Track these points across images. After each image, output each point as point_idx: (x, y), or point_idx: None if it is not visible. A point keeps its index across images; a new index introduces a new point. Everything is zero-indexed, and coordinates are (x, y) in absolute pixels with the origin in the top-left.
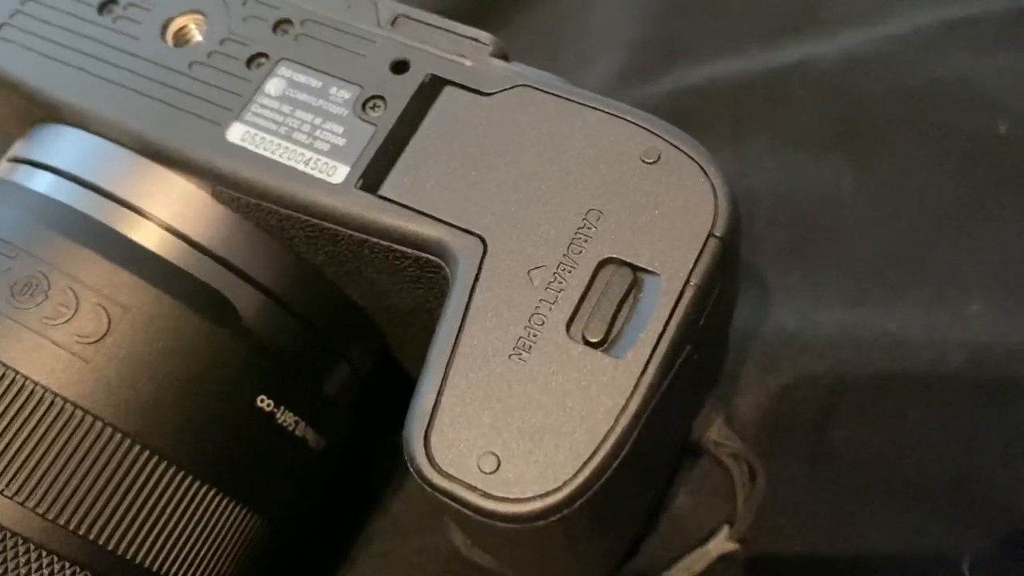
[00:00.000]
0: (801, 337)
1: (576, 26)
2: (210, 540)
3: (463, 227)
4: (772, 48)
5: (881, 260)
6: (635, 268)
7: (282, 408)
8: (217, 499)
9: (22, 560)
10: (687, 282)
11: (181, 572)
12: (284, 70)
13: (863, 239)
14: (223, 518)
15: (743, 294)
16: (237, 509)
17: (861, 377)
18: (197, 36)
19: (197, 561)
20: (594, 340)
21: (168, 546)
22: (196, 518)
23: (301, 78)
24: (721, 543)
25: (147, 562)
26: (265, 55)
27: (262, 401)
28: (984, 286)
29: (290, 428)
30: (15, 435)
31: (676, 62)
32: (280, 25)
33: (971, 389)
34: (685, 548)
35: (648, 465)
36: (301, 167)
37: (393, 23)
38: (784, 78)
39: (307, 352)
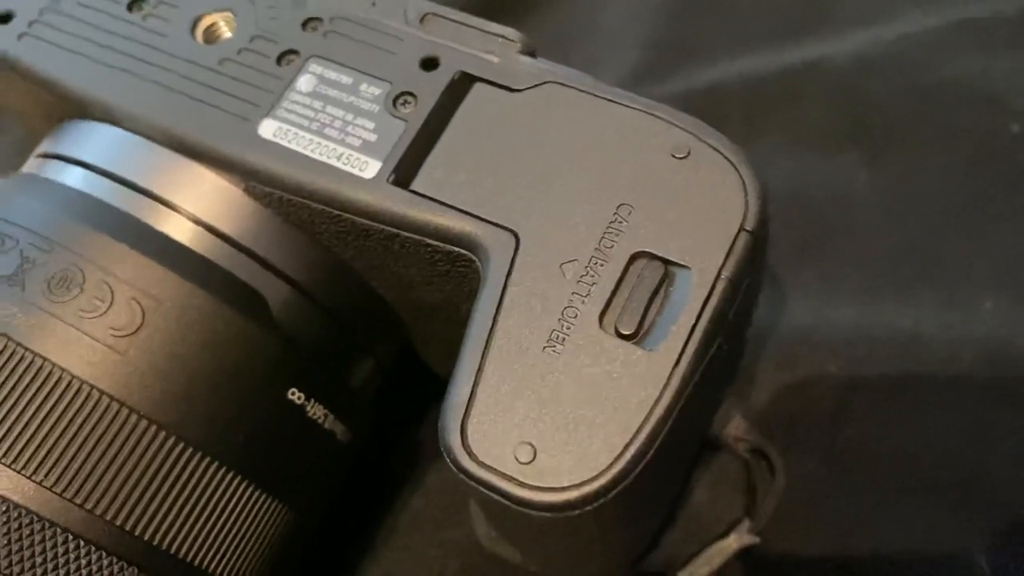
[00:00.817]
0: (816, 334)
1: (587, 26)
2: (240, 530)
3: (495, 222)
4: (783, 48)
5: (894, 258)
6: (666, 262)
7: (312, 401)
8: (248, 490)
9: (60, 550)
10: (718, 276)
11: (211, 561)
12: (315, 67)
13: (876, 237)
14: (253, 509)
15: None
16: (267, 500)
17: (875, 374)
18: (227, 33)
19: (227, 550)
20: (627, 333)
21: (199, 535)
22: (227, 508)
23: (332, 75)
24: (740, 537)
25: (180, 551)
26: (295, 52)
27: (293, 394)
28: (997, 284)
29: (320, 421)
30: (52, 426)
31: (687, 62)
32: (310, 22)
33: (985, 386)
34: (705, 542)
35: (676, 457)
36: (333, 162)
37: (422, 21)
38: (795, 78)
39: (335, 345)
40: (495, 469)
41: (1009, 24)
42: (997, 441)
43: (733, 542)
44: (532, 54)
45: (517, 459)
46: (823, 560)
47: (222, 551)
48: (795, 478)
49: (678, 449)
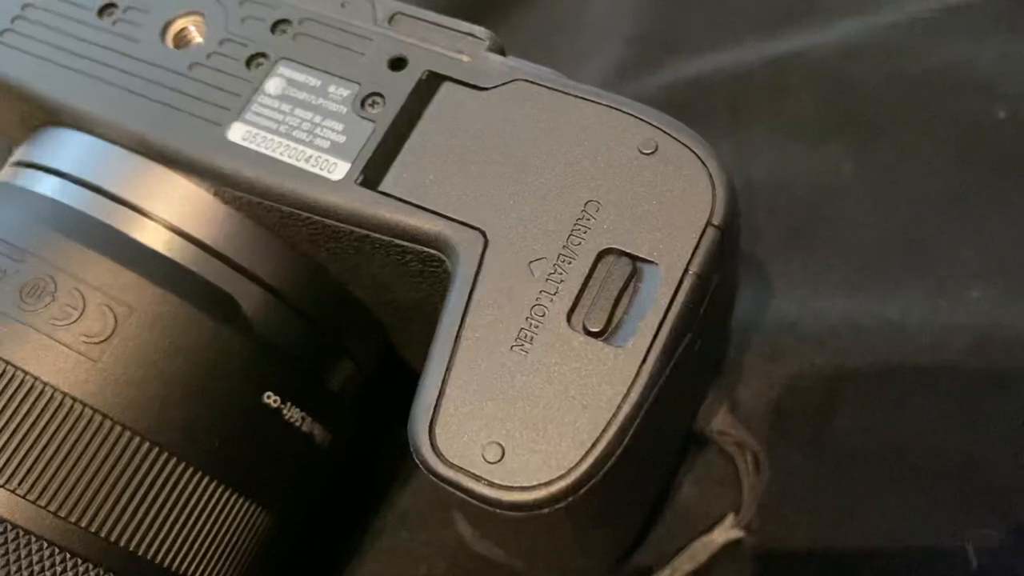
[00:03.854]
0: (802, 326)
1: (572, 21)
2: (219, 535)
3: (463, 221)
4: (769, 38)
5: (881, 247)
6: (634, 258)
7: (288, 404)
8: (226, 495)
9: (35, 558)
10: (686, 271)
11: (190, 567)
12: (283, 69)
13: (863, 227)
14: (231, 513)
15: (744, 284)
16: (245, 504)
17: (863, 364)
18: (197, 37)
19: (206, 556)
20: (595, 330)
21: (177, 542)
22: (205, 514)
23: (300, 77)
24: (726, 531)
25: (157, 557)
26: (264, 55)
27: (268, 397)
28: (984, 272)
29: (296, 424)
30: (25, 435)
31: (673, 55)
32: (279, 25)
33: (973, 375)
34: (690, 536)
35: (652, 454)
36: (302, 165)
37: (390, 21)
38: (781, 68)
39: (312, 348)
40: (464, 469)
41: (995, 8)
42: (986, 429)
43: (718, 536)
44: (501, 52)
45: (485, 459)
46: (810, 553)
47: (200, 556)
48: (782, 471)
49: (654, 445)
